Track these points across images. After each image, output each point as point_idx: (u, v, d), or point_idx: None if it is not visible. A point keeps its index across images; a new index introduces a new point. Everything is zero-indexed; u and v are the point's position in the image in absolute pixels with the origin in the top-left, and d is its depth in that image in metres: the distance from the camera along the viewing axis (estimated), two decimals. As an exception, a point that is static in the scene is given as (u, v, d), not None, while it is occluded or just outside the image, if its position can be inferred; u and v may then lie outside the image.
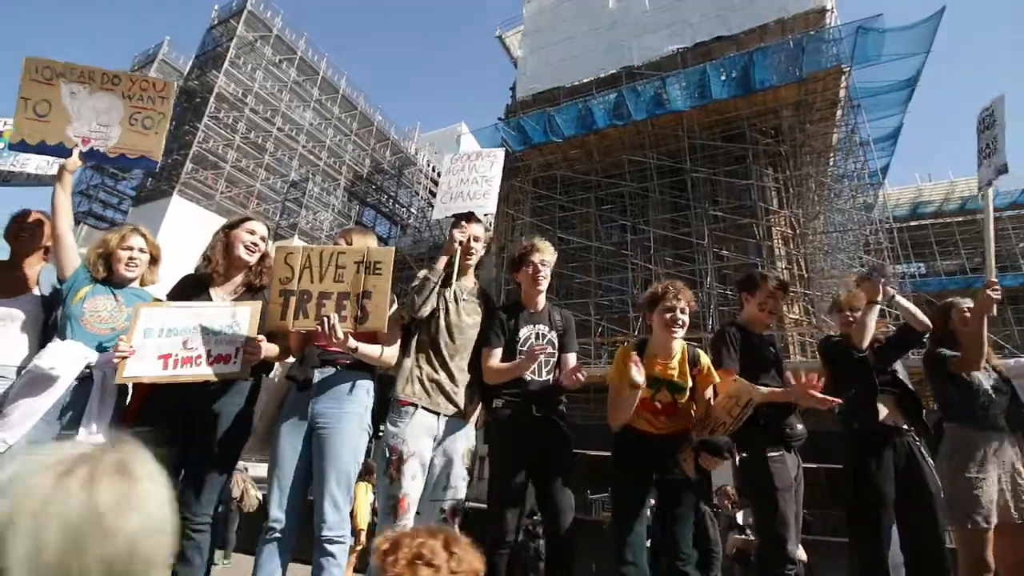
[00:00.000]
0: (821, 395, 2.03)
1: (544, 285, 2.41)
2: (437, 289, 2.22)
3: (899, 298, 2.50)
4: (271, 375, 2.31)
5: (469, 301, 2.34)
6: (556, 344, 2.35)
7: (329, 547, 1.89)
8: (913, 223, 22.28)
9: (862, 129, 15.15)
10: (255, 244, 2.17)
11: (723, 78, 15.80)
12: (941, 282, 20.62)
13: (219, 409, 2.00)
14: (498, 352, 2.28)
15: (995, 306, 2.37)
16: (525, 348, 2.28)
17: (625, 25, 19.37)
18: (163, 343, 1.92)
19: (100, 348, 1.98)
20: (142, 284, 2.21)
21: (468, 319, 2.29)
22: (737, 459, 2.22)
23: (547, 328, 2.39)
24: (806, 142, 16.64)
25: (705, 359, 2.28)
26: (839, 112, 16.14)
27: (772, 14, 16.61)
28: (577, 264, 17.01)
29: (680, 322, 2.18)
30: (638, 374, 1.97)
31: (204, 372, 1.91)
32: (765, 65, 15.07)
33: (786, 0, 16.59)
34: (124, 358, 1.85)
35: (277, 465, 1.96)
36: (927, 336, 2.61)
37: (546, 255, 2.42)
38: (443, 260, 2.23)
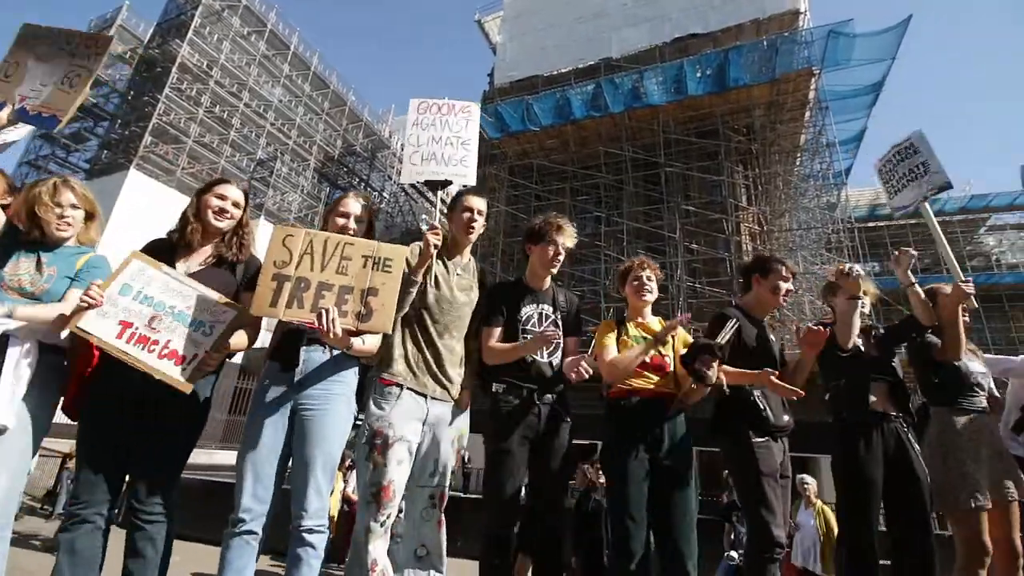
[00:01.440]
0: (784, 384, 2.13)
1: (556, 269, 2.37)
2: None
3: (917, 288, 2.55)
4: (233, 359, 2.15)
5: (463, 276, 2.23)
6: (560, 325, 2.31)
7: (309, 537, 1.75)
8: (871, 224, 23.22)
9: (829, 131, 15.63)
10: (224, 210, 1.98)
11: (699, 75, 16.01)
12: (895, 281, 21.52)
13: (174, 392, 1.79)
14: (498, 331, 2.22)
15: (970, 298, 2.44)
16: (528, 327, 2.24)
17: (605, 16, 19.34)
18: (133, 308, 1.75)
19: None
20: (80, 244, 1.99)
21: (460, 295, 2.17)
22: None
23: (551, 308, 2.34)
24: (776, 141, 17.08)
25: (681, 328, 2.38)
26: (808, 113, 16.59)
27: (749, 14, 16.89)
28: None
29: (647, 288, 2.41)
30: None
31: (149, 362, 1.70)
32: (740, 64, 15.33)
33: (763, 1, 16.85)
34: (89, 307, 1.67)
35: (253, 449, 1.79)
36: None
37: (568, 241, 2.35)
38: (423, 267, 2.04)
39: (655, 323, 2.44)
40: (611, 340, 2.33)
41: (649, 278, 2.43)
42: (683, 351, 2.29)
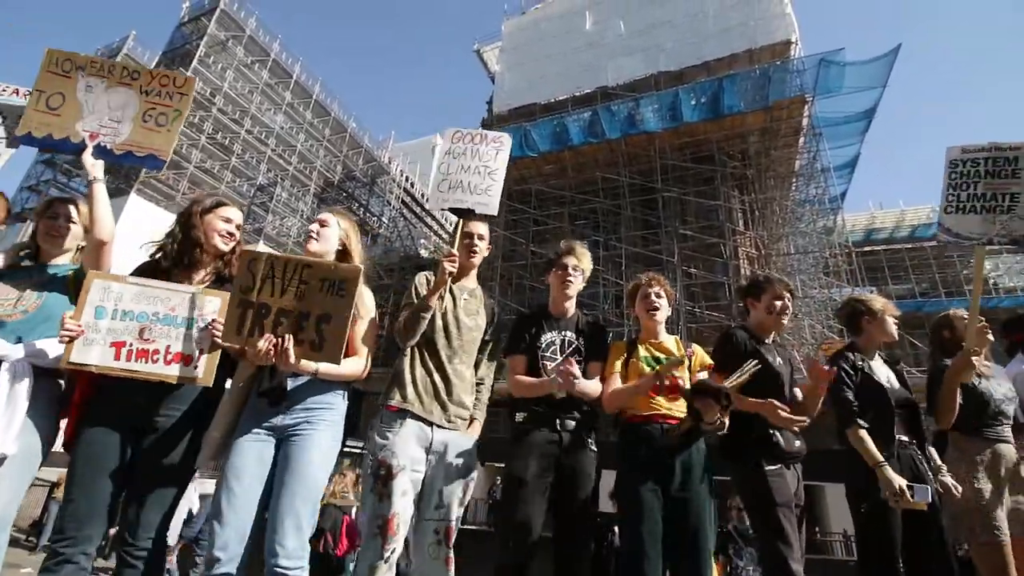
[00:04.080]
0: (789, 416, 2.09)
1: (573, 291, 2.36)
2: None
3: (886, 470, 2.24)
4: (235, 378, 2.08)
5: (470, 301, 2.21)
6: (583, 351, 2.27)
7: None
8: (867, 248, 23.37)
9: (823, 156, 15.87)
10: (231, 233, 1.99)
11: (694, 102, 16.34)
12: (900, 305, 21.59)
13: (170, 420, 1.75)
14: (522, 360, 2.21)
15: (974, 369, 2.37)
16: (548, 354, 2.22)
17: (601, 46, 19.82)
18: (117, 327, 1.70)
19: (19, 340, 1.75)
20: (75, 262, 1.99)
21: (467, 319, 2.15)
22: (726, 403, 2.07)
23: (574, 335, 2.31)
24: (771, 167, 17.32)
25: (700, 349, 2.33)
26: (802, 139, 16.88)
27: (742, 45, 17.32)
28: (546, 275, 17.07)
29: (656, 304, 2.34)
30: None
31: (162, 371, 1.68)
32: (734, 92, 15.67)
33: (755, 32, 17.33)
34: (71, 339, 1.63)
35: (234, 480, 1.68)
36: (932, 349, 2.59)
37: (582, 262, 2.37)
38: (436, 294, 2.02)
39: (671, 342, 2.37)
40: (616, 367, 2.28)
41: (658, 294, 2.36)
42: (700, 373, 2.21)
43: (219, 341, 1.74)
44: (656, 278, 2.43)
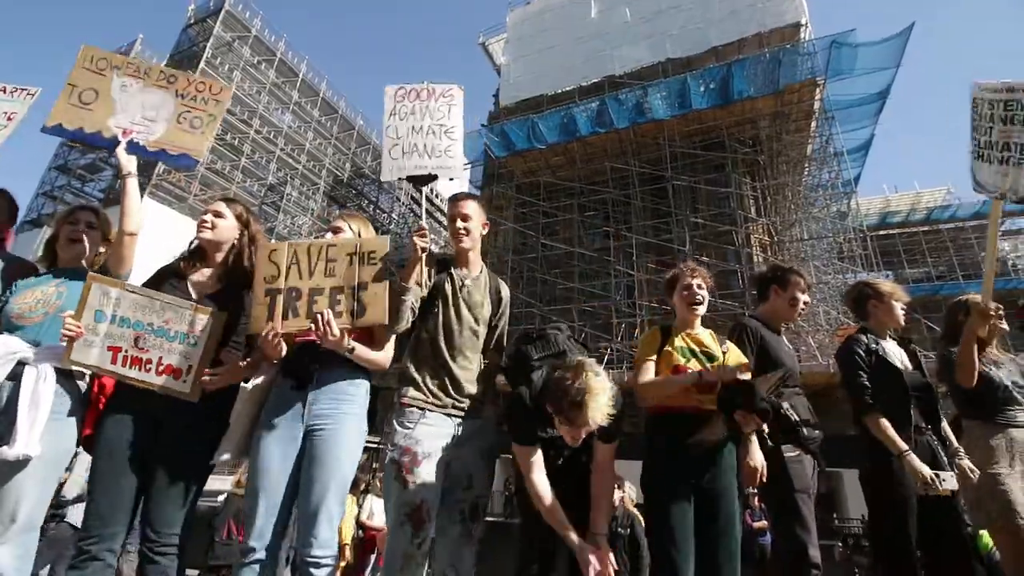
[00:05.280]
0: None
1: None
2: (423, 294, 2.02)
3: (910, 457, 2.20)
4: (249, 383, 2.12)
5: (473, 291, 2.10)
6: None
7: (317, 572, 1.65)
8: (882, 232, 22.97)
9: (836, 140, 15.59)
10: (204, 221, 2.00)
11: (703, 88, 16.11)
12: (908, 289, 21.23)
13: (190, 414, 1.78)
14: (535, 462, 1.86)
15: (991, 321, 2.32)
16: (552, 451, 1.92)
17: (607, 35, 19.59)
18: (114, 332, 1.75)
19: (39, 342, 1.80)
20: (91, 267, 2.03)
21: (468, 313, 2.05)
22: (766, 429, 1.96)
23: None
24: (782, 152, 17.04)
25: (734, 346, 2.26)
26: (814, 123, 16.59)
27: (751, 28, 17.02)
28: (560, 270, 17.05)
29: (699, 297, 2.18)
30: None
31: (152, 380, 1.73)
32: (743, 77, 15.41)
33: (764, 15, 17.01)
34: (71, 339, 1.68)
35: (263, 474, 1.72)
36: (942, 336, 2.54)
37: (598, 417, 1.70)
38: (411, 274, 1.91)
39: (706, 336, 2.22)
40: (651, 358, 2.14)
41: (700, 286, 2.20)
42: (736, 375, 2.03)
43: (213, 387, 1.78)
44: (697, 269, 2.26)
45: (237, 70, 23.24)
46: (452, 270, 2.11)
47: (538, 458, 1.87)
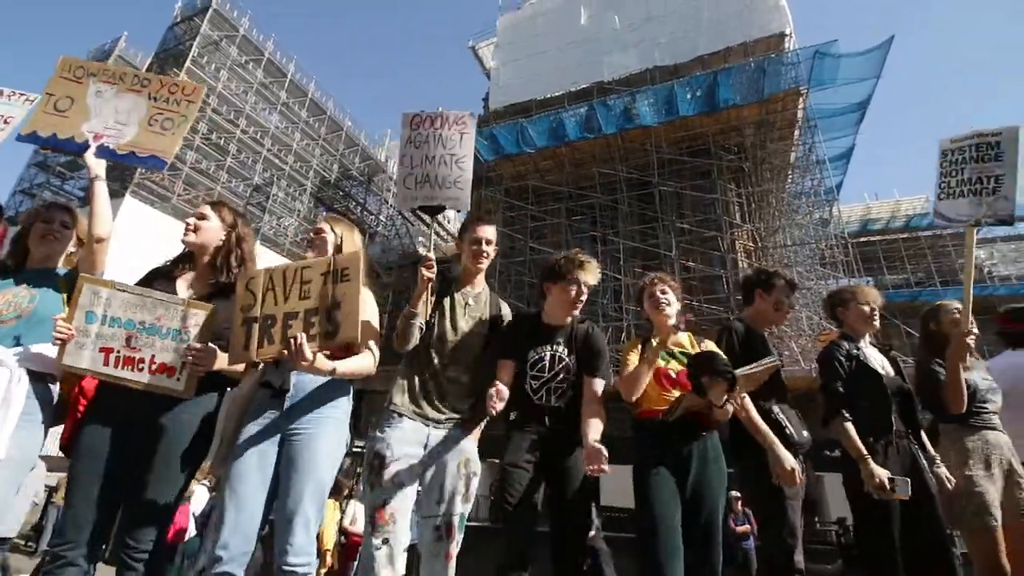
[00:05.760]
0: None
1: (579, 309, 2.26)
2: (432, 303, 2.10)
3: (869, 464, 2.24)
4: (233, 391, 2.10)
5: (474, 307, 2.20)
6: (573, 368, 2.16)
7: None
8: (863, 239, 23.44)
9: (818, 148, 15.90)
10: (187, 224, 1.99)
11: (689, 96, 16.32)
12: (889, 295, 21.72)
13: (172, 420, 1.76)
14: (510, 366, 2.12)
15: (970, 351, 2.40)
16: (535, 371, 2.15)
17: (597, 42, 19.77)
18: (106, 333, 1.73)
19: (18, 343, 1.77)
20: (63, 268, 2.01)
21: (465, 326, 2.14)
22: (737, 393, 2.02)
23: (565, 350, 2.18)
24: (767, 159, 17.33)
25: (713, 345, 2.33)
26: (797, 132, 16.89)
27: (737, 37, 17.30)
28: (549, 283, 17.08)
29: (663, 302, 2.27)
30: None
31: (145, 380, 1.72)
32: (729, 85, 15.65)
33: (749, 25, 17.31)
34: (63, 342, 1.67)
35: (238, 480, 1.69)
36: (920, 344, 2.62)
37: (592, 278, 2.22)
38: (419, 300, 1.99)
39: (684, 337, 2.34)
40: (632, 361, 2.25)
41: (664, 291, 2.31)
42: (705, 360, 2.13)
43: (201, 368, 1.76)
44: (660, 277, 2.40)
45: (224, 69, 22.99)
46: (455, 286, 2.19)
47: (509, 373, 2.11)
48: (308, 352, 1.63)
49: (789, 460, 2.11)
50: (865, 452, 2.25)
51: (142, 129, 2.10)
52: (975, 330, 2.42)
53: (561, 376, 2.14)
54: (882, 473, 2.18)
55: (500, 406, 1.86)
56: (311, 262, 1.83)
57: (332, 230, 2.10)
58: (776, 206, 18.00)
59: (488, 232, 2.22)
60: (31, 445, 1.76)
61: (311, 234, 2.12)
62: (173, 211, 19.50)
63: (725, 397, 1.97)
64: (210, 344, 1.79)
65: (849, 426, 2.32)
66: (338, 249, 2.08)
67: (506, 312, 2.31)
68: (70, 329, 1.69)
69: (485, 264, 2.22)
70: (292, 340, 1.64)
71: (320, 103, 26.62)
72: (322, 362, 1.71)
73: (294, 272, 1.77)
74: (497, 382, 1.93)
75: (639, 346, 2.31)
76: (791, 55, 15.80)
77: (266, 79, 24.49)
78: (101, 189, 1.94)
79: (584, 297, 2.22)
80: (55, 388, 1.88)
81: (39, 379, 1.80)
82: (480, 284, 2.27)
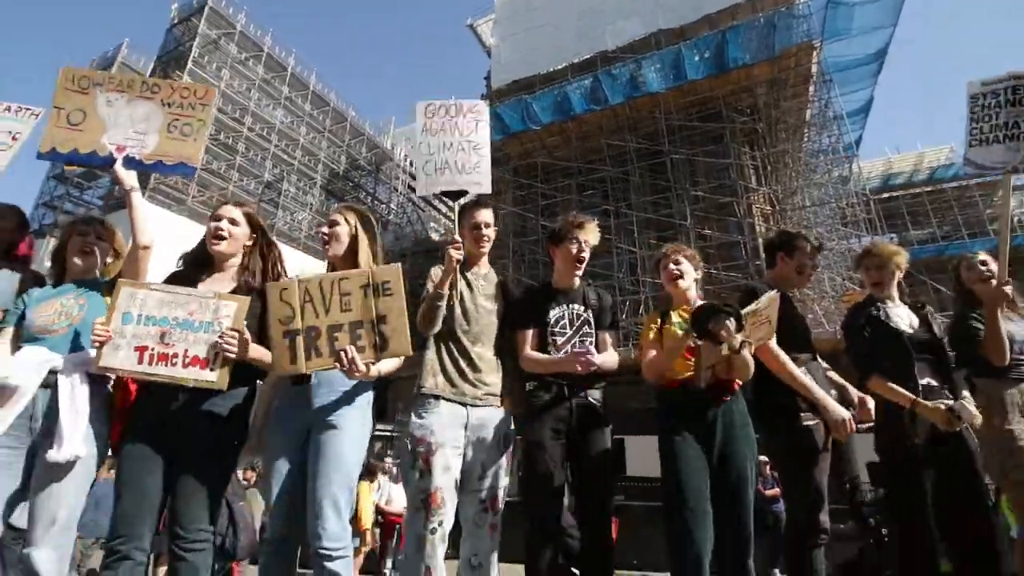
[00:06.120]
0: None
1: (582, 267, 2.34)
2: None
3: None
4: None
5: (485, 286, 2.26)
6: (592, 324, 2.28)
7: (330, 565, 1.69)
8: (885, 195, 22.71)
9: (835, 103, 15.37)
10: (218, 231, 1.99)
11: (697, 58, 15.84)
12: (913, 251, 21.07)
13: (211, 410, 1.83)
14: (531, 334, 2.22)
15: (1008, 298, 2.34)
16: (557, 329, 2.23)
17: (598, 11, 19.21)
18: (140, 332, 1.77)
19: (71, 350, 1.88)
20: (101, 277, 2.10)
21: (485, 303, 2.21)
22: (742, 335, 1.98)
23: (582, 308, 2.30)
24: (781, 119, 16.81)
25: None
26: (811, 87, 16.31)
27: (743, -8, 16.64)
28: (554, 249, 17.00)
29: (676, 272, 2.32)
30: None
31: (180, 375, 1.74)
32: (738, 43, 15.13)
33: (756, -23, 16.62)
34: (101, 344, 1.72)
35: (274, 469, 1.83)
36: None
37: (591, 236, 2.32)
38: (447, 282, 2.04)
39: None
40: (650, 338, 2.28)
41: (677, 262, 2.35)
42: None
43: (234, 355, 1.79)
44: (676, 247, 2.42)
45: (225, 68, 22.99)
46: (463, 268, 2.23)
47: (532, 340, 2.22)
48: (361, 365, 1.71)
49: (839, 411, 2.10)
50: (911, 395, 2.22)
51: (163, 137, 2.10)
52: (1010, 280, 2.35)
53: (584, 330, 2.24)
54: (941, 404, 2.17)
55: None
56: (347, 274, 1.85)
57: (346, 220, 2.11)
58: (793, 167, 17.51)
59: (485, 215, 2.29)
60: (97, 444, 1.88)
61: (325, 229, 2.12)
62: (189, 213, 19.81)
63: (739, 337, 1.93)
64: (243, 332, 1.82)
65: (883, 380, 2.30)
66: (353, 239, 2.09)
67: (512, 290, 2.39)
68: (108, 331, 1.74)
69: (487, 247, 2.30)
70: (343, 353, 1.70)
71: (322, 95, 26.52)
72: (372, 371, 1.80)
73: (331, 284, 1.80)
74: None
75: (658, 320, 2.32)
76: (802, 6, 15.17)
77: (267, 75, 24.44)
78: (138, 200, 1.98)
79: (586, 254, 2.30)
80: (107, 388, 1.98)
81: (95, 380, 1.90)
82: (485, 265, 2.35)
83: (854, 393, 2.38)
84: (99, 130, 2.07)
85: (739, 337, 1.94)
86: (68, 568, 1.83)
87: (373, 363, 1.77)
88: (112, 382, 1.98)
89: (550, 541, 2.04)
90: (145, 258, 1.97)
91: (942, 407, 2.17)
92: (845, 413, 2.11)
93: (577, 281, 2.38)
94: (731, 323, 1.91)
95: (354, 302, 1.77)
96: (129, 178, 1.99)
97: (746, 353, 2.00)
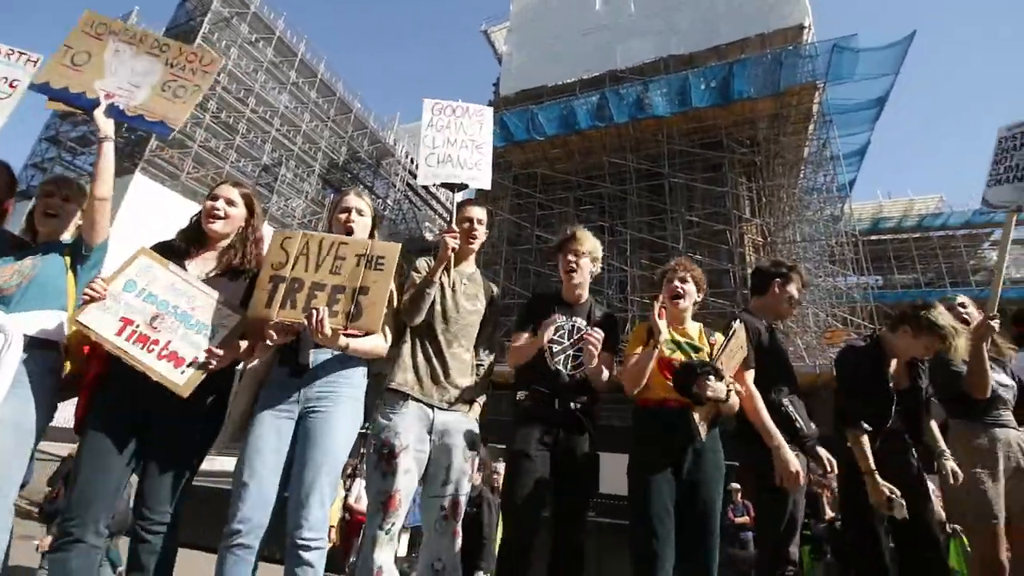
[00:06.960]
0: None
1: (578, 278, 2.34)
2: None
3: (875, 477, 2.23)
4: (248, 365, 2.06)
5: (468, 286, 2.22)
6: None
7: (306, 555, 1.63)
8: (873, 237, 23.18)
9: (832, 144, 15.68)
10: (214, 210, 1.93)
11: (703, 87, 16.11)
12: (897, 294, 21.56)
13: (183, 401, 1.71)
14: (525, 336, 2.21)
15: (992, 332, 2.38)
16: (555, 337, 2.22)
17: (612, 28, 19.50)
18: (135, 305, 1.71)
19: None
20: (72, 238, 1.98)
21: (467, 303, 2.17)
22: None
23: (584, 322, 2.28)
24: (779, 153, 17.12)
25: (721, 335, 2.25)
26: (811, 126, 16.67)
27: (755, 28, 17.03)
28: (554, 263, 17.02)
29: (679, 291, 2.26)
30: (663, 325, 2.05)
31: (150, 363, 1.66)
32: (744, 77, 15.43)
33: (769, 15, 17.00)
34: (90, 299, 1.65)
35: (256, 454, 1.69)
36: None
37: (582, 246, 2.33)
38: (439, 271, 2.04)
39: (694, 330, 2.28)
40: (637, 351, 2.22)
41: (684, 280, 2.27)
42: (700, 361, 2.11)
43: (210, 371, 1.73)
44: (684, 264, 2.35)
45: (234, 47, 22.84)
46: (450, 266, 2.19)
47: (523, 338, 2.24)
48: (327, 327, 1.67)
49: (794, 463, 2.09)
50: (873, 467, 2.24)
51: (154, 93, 2.07)
52: (995, 318, 2.39)
53: (580, 347, 2.21)
54: (886, 490, 2.18)
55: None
56: (349, 239, 1.85)
57: (369, 214, 2.08)
58: (787, 201, 17.82)
59: (477, 212, 2.29)
60: (27, 410, 1.72)
61: (345, 215, 2.02)
62: (182, 189, 19.55)
63: (721, 387, 1.97)
64: (228, 351, 1.76)
65: (865, 440, 2.30)
66: (370, 235, 2.08)
67: (495, 292, 2.37)
68: (104, 289, 1.68)
69: (476, 244, 2.28)
70: (314, 312, 1.67)
71: (330, 84, 26.42)
72: (340, 339, 1.74)
73: (330, 245, 1.80)
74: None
75: (643, 336, 2.26)
76: (809, 48, 15.54)
77: (276, 58, 24.30)
78: (108, 149, 1.91)
79: (577, 266, 2.33)
80: (61, 355, 1.85)
81: (39, 345, 1.77)
82: (472, 266, 2.33)
83: (824, 454, 2.32)
84: (96, 75, 2.05)
85: (721, 387, 1.97)
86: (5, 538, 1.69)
87: (341, 330, 1.71)
88: (62, 347, 1.84)
89: (525, 549, 2.03)
90: (102, 209, 1.88)
91: (885, 493, 2.17)
92: (797, 465, 2.08)
93: (585, 295, 2.39)
94: (712, 380, 1.95)
95: (345, 267, 1.76)
96: (107, 126, 1.94)
97: (733, 400, 2.04)
